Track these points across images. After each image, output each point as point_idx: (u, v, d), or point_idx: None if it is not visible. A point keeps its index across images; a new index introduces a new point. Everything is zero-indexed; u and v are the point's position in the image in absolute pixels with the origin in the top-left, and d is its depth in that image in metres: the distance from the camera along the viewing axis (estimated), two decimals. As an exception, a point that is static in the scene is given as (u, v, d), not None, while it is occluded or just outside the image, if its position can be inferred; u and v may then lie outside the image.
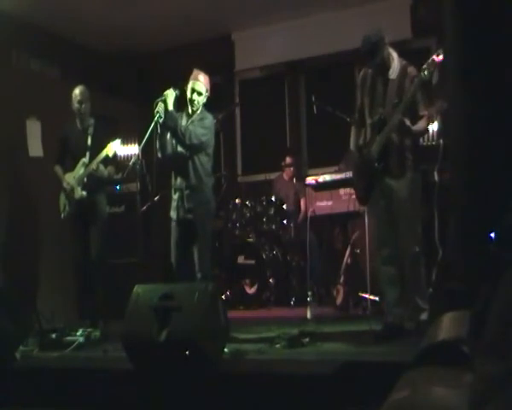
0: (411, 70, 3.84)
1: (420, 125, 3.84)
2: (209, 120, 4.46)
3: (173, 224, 4.50)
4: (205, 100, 4.48)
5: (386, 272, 4.00)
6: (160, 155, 4.40)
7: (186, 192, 4.40)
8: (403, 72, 3.85)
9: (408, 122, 3.77)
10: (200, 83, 4.42)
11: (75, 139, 5.21)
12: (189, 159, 4.38)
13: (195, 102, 4.43)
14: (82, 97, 5.12)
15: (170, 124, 4.27)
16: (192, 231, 4.38)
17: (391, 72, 3.87)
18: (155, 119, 4.24)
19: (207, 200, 4.43)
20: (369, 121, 3.98)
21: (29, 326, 4.73)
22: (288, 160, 7.22)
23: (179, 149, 4.43)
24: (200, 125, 4.39)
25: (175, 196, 4.47)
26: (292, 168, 7.22)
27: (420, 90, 3.78)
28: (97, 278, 5.05)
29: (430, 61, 3.69)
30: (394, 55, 3.90)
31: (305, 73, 8.13)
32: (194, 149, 4.36)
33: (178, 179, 4.45)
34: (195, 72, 4.48)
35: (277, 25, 7.73)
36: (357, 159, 4.04)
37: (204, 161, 4.43)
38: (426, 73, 3.67)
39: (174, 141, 4.43)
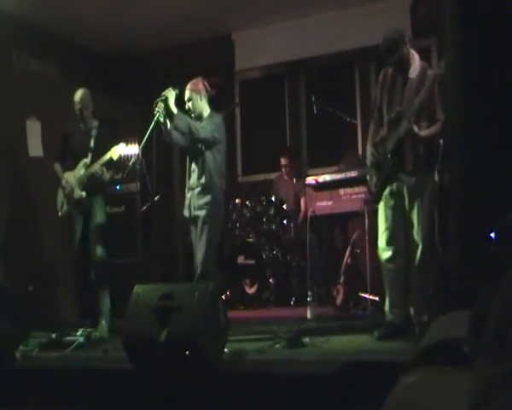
0: (430, 72, 3.85)
1: (432, 129, 3.85)
2: (218, 117, 4.56)
3: (190, 227, 4.57)
4: (200, 100, 4.52)
5: (389, 270, 4.00)
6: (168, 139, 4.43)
7: (197, 190, 4.45)
8: (423, 72, 3.87)
9: (416, 129, 3.79)
10: (186, 91, 4.51)
11: (77, 139, 5.21)
12: (201, 156, 4.42)
13: (190, 109, 4.52)
14: (82, 104, 5.11)
15: (180, 124, 4.30)
16: (199, 228, 4.41)
17: (411, 71, 3.90)
18: (155, 119, 4.26)
19: (216, 199, 4.47)
20: (386, 118, 4.00)
21: (29, 326, 4.73)
22: (283, 161, 7.21)
23: (198, 147, 4.49)
24: (211, 122, 4.47)
25: (188, 195, 4.54)
26: (287, 169, 7.21)
27: (438, 93, 3.80)
28: (97, 277, 5.06)
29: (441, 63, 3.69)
30: (416, 55, 3.93)
31: (305, 73, 8.13)
32: (208, 142, 4.43)
33: (192, 178, 4.50)
34: None
35: (277, 25, 7.73)
36: (374, 156, 4.05)
37: (218, 158, 4.50)
38: (443, 67, 3.67)
39: (187, 139, 4.47)
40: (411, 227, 3.88)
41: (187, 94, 4.52)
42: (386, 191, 3.96)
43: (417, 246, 3.85)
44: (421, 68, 3.90)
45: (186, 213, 4.55)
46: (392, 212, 3.95)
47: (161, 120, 4.28)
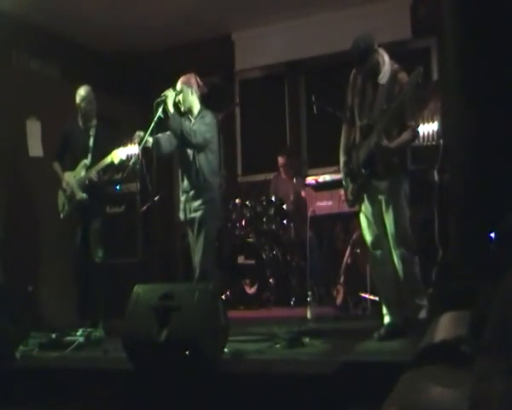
0: (402, 76, 3.78)
1: (403, 137, 3.80)
2: (209, 116, 4.51)
3: (187, 227, 4.55)
4: (190, 94, 4.49)
5: (379, 273, 4.02)
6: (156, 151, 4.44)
7: (191, 193, 4.44)
8: (393, 77, 3.80)
9: (385, 142, 3.72)
10: (178, 84, 4.49)
11: (76, 139, 5.21)
12: (194, 159, 4.41)
13: (181, 101, 4.47)
14: (87, 94, 5.12)
15: (174, 126, 4.31)
16: (196, 229, 4.40)
17: (381, 76, 3.83)
18: (155, 119, 4.27)
19: (211, 199, 4.45)
20: (358, 123, 3.97)
21: (29, 326, 4.73)
22: (281, 160, 7.19)
23: (188, 150, 4.47)
24: (202, 123, 4.44)
25: (182, 198, 4.53)
26: (285, 168, 7.19)
27: (408, 99, 3.72)
28: (97, 278, 5.06)
29: (415, 73, 3.62)
30: (386, 58, 3.85)
31: (305, 73, 8.13)
32: (200, 147, 4.40)
33: (185, 181, 4.49)
34: None
35: (277, 25, 7.72)
36: (346, 162, 4.04)
37: (210, 158, 4.47)
38: (408, 87, 3.62)
39: (178, 141, 4.47)
40: (390, 228, 3.86)
41: (178, 86, 4.47)
42: (364, 199, 3.96)
43: (398, 246, 3.83)
44: (391, 72, 3.81)
45: (181, 216, 4.53)
46: (373, 219, 3.95)
47: (161, 116, 4.29)
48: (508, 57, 3.08)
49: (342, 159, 4.07)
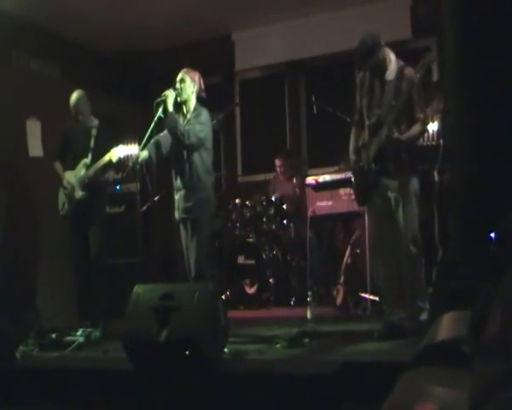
0: (408, 72, 3.83)
1: (413, 130, 3.84)
2: (204, 114, 4.48)
3: (180, 226, 4.54)
4: (192, 87, 4.46)
5: (383, 271, 4.01)
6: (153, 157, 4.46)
7: (184, 192, 4.42)
8: (400, 73, 3.85)
9: (396, 134, 3.77)
10: (180, 73, 4.46)
11: (76, 138, 5.22)
12: (188, 158, 4.40)
13: (180, 90, 4.43)
14: (79, 98, 5.14)
15: (171, 124, 4.31)
16: (190, 229, 4.39)
17: (388, 73, 3.88)
18: (155, 119, 4.27)
19: (205, 198, 4.42)
20: (367, 123, 4.00)
21: (29, 326, 4.73)
22: (278, 162, 7.17)
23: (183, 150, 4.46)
24: (196, 122, 4.41)
25: (176, 197, 4.51)
26: (282, 169, 7.18)
27: (416, 93, 3.77)
28: (97, 278, 5.06)
29: (420, 63, 3.68)
30: (392, 56, 3.90)
31: (305, 73, 8.13)
32: (194, 147, 4.38)
33: (178, 180, 4.47)
34: None
35: (277, 25, 7.72)
36: (356, 160, 4.05)
37: (204, 156, 4.44)
38: (418, 76, 3.67)
39: (171, 141, 4.47)
40: (398, 228, 3.87)
41: (180, 75, 4.45)
42: (373, 195, 3.97)
43: (406, 245, 3.84)
44: (398, 69, 3.87)
45: (176, 214, 4.51)
46: (381, 214, 3.96)
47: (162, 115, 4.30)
48: (508, 57, 3.08)
49: (352, 158, 4.09)
